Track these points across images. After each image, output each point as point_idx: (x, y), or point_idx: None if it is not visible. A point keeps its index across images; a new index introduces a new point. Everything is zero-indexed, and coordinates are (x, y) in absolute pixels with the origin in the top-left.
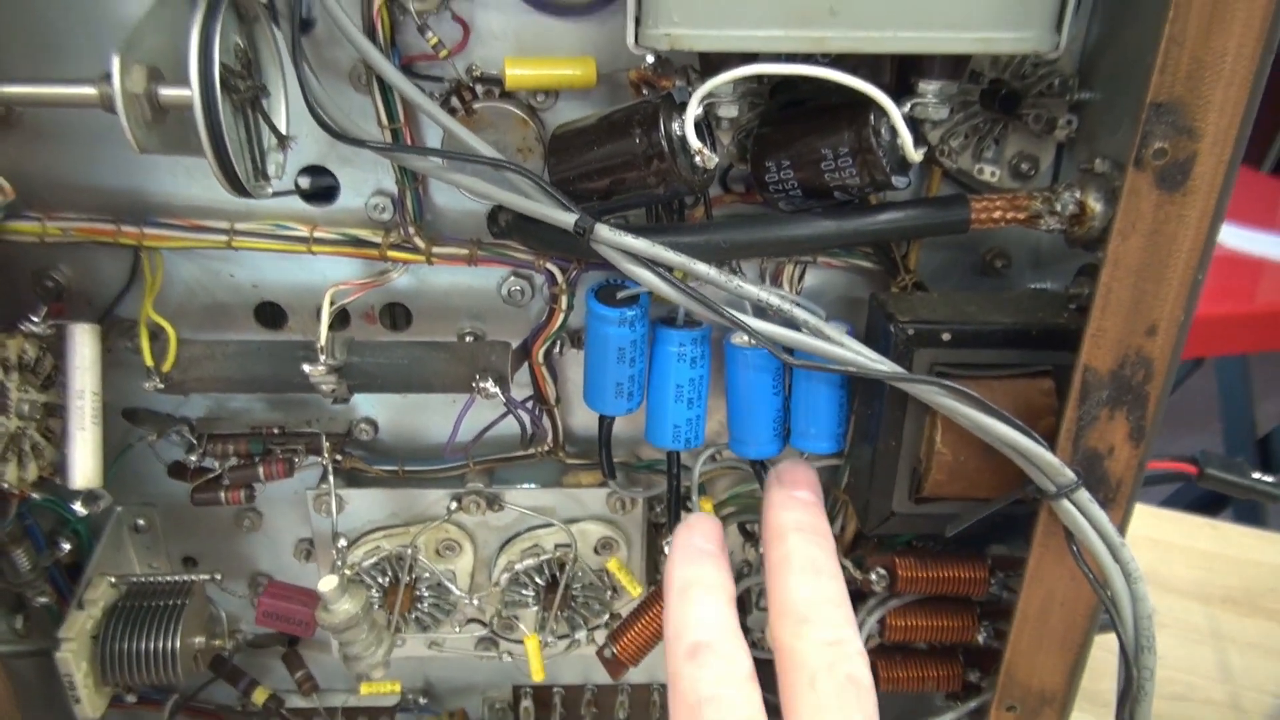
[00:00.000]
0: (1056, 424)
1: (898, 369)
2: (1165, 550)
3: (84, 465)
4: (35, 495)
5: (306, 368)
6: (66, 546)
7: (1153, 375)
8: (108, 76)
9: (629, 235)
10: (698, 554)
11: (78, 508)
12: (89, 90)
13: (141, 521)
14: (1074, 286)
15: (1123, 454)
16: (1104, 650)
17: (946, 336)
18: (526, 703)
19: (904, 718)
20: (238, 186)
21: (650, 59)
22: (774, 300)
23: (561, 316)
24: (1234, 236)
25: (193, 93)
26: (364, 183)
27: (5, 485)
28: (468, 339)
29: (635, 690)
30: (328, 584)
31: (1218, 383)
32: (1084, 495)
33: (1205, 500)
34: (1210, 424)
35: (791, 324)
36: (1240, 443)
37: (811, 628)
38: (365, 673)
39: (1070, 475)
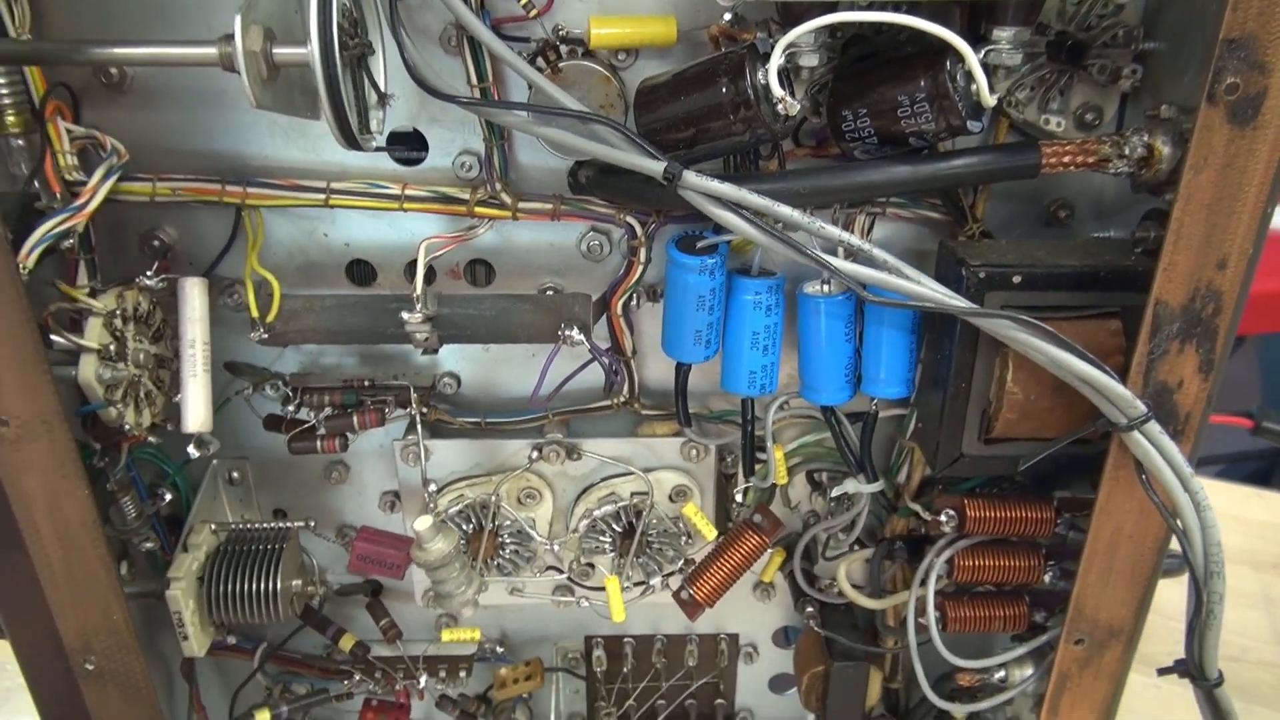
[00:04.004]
0: (1125, 363)
1: (974, 305)
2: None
3: (196, 410)
4: (152, 439)
5: (405, 315)
6: (168, 496)
7: (1222, 308)
8: (228, 37)
9: (715, 180)
10: None
11: (191, 450)
12: (210, 51)
13: (236, 474)
14: (1139, 231)
15: (1192, 387)
16: (1154, 614)
17: (1017, 279)
18: (598, 652)
19: (975, 656)
20: (350, 139)
21: (727, 16)
22: (855, 241)
23: (640, 269)
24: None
25: (312, 49)
26: (451, 142)
27: (127, 427)
28: (548, 293)
29: (703, 640)
30: (423, 523)
31: (1259, 364)
32: (1154, 427)
33: (1257, 474)
34: (1251, 402)
35: (871, 264)
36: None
37: None
38: (457, 610)
39: (1141, 407)
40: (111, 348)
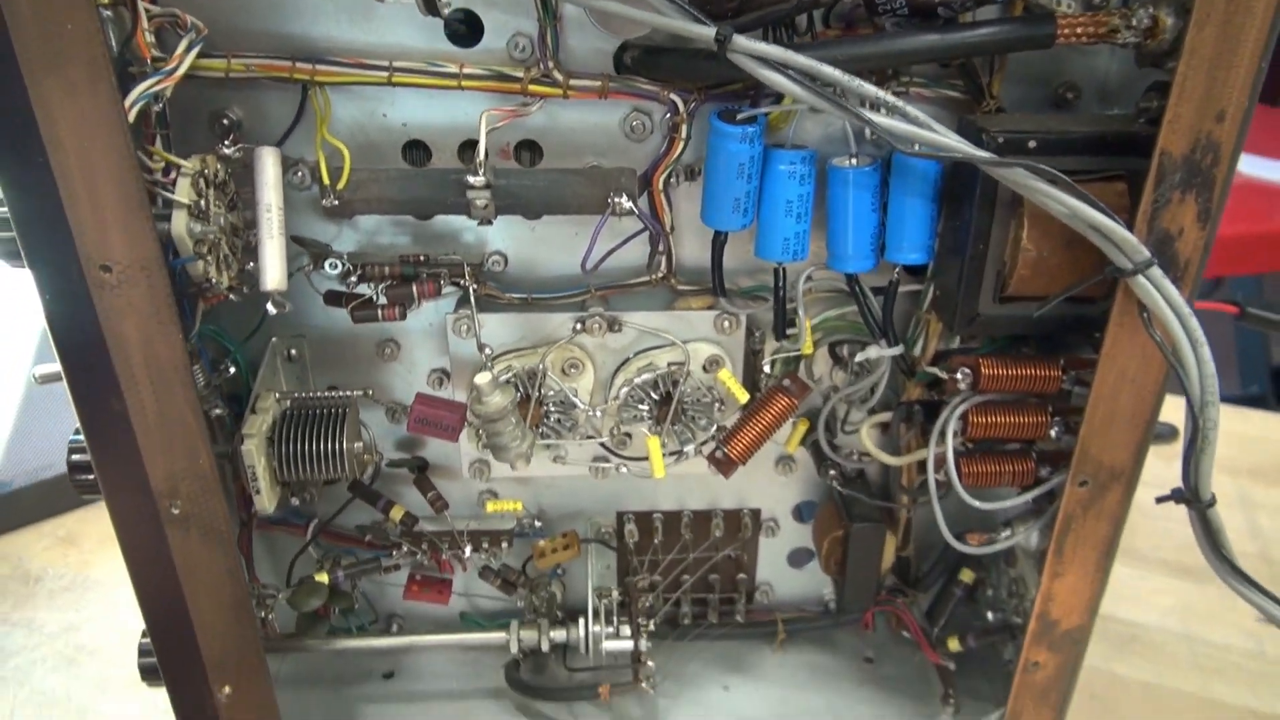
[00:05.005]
0: (1130, 220)
1: (994, 156)
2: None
3: (273, 269)
4: (233, 297)
5: (470, 179)
6: (231, 369)
7: (1220, 159)
8: None
9: (763, 43)
10: None
11: (269, 308)
12: None
13: (294, 351)
14: (1143, 101)
15: (1191, 235)
16: (1137, 514)
17: (1032, 144)
18: (630, 526)
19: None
20: (431, 5)
21: None
22: (890, 99)
23: (681, 145)
24: (1252, 166)
25: None
26: (505, 25)
27: (211, 281)
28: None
29: (728, 515)
30: (483, 378)
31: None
32: (1157, 271)
33: (1236, 399)
34: (1226, 369)
35: (904, 119)
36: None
37: None
38: (512, 461)
39: (1146, 252)
40: (201, 203)
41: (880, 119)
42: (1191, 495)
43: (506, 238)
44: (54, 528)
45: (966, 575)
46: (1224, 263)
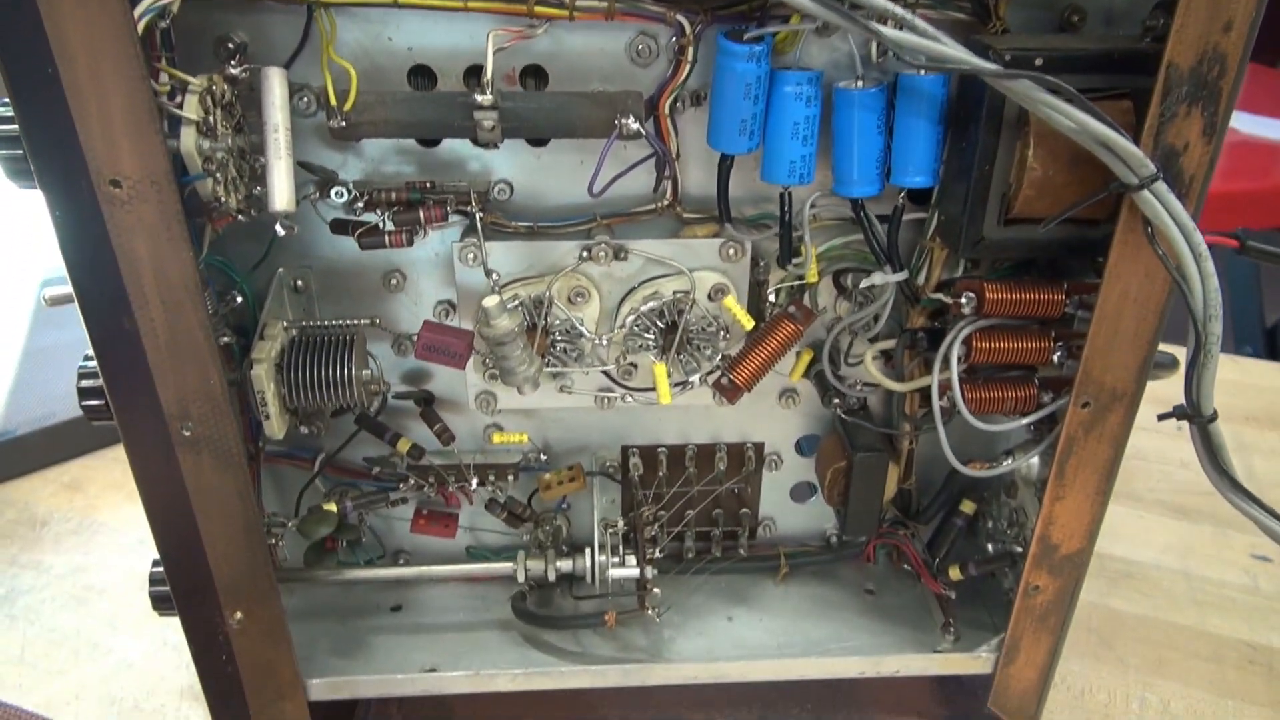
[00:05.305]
0: (1135, 140)
1: (1000, 68)
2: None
3: (281, 190)
4: (241, 218)
5: (478, 97)
6: (239, 299)
7: (1226, 71)
8: None
9: None
10: None
11: (278, 229)
12: None
13: (300, 282)
14: (1149, 20)
15: (1196, 150)
16: (1138, 459)
17: (1039, 62)
18: (635, 459)
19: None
20: None
21: None
22: (899, 11)
23: (687, 68)
24: (1249, 124)
25: None
26: None
27: (220, 201)
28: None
29: (731, 449)
30: (491, 301)
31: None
32: (1162, 186)
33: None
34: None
35: (913, 30)
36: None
37: None
38: (520, 385)
39: (1152, 167)
40: (210, 119)
41: (890, 31)
42: (1194, 411)
43: (512, 166)
44: (59, 474)
45: (967, 507)
46: (1221, 218)
